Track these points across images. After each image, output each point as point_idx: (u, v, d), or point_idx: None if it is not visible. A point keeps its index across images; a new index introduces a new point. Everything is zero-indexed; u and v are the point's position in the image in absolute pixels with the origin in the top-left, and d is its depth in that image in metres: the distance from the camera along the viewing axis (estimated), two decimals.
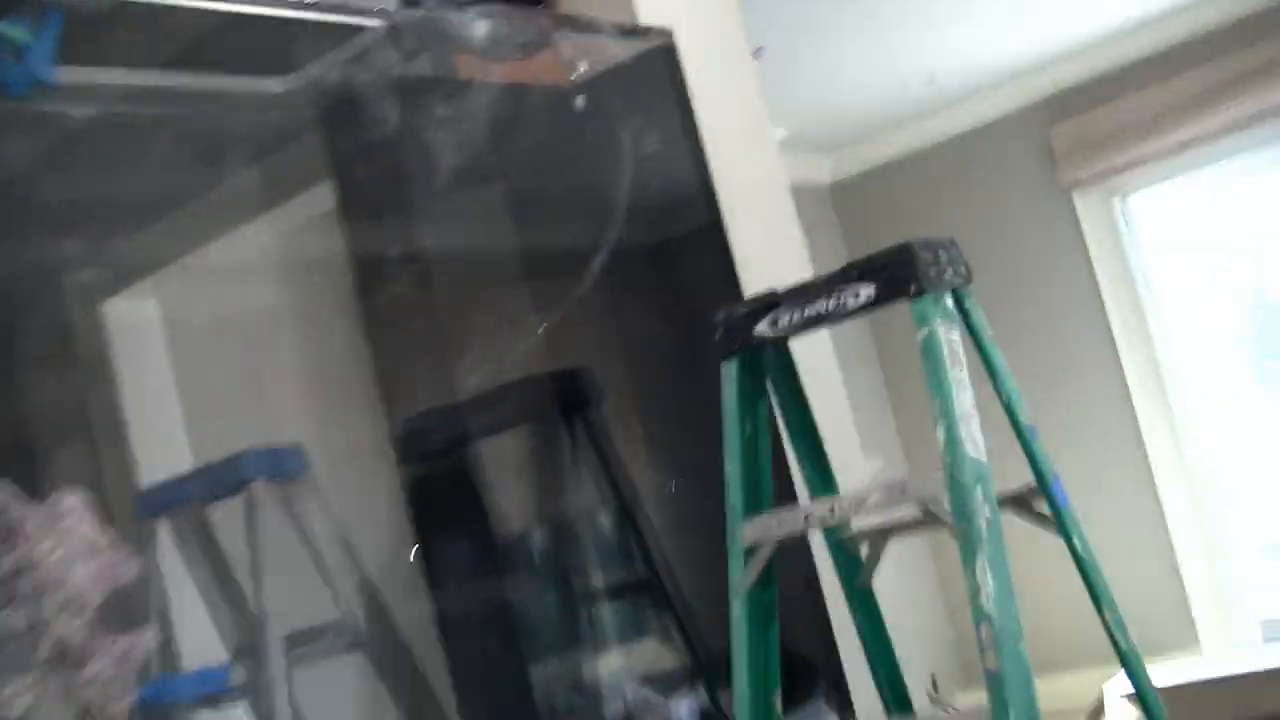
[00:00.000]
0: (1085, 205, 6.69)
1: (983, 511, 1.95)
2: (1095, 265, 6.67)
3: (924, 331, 2.06)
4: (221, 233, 2.94)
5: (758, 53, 5.53)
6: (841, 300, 2.15)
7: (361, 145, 2.59)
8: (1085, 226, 6.70)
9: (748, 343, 2.26)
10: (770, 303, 2.23)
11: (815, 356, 2.82)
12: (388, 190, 2.66)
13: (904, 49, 5.86)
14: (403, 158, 2.63)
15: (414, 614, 2.69)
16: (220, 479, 2.74)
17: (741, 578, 2.20)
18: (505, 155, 2.75)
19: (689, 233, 2.88)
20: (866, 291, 2.12)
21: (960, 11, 5.54)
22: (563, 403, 2.75)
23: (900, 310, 2.10)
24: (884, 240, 2.13)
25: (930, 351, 2.04)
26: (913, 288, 2.07)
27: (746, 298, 2.31)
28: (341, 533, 2.75)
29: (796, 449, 2.38)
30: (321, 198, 2.77)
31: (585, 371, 2.79)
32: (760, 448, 2.28)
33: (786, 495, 2.58)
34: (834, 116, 6.63)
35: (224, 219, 2.92)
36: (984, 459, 1.99)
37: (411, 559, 2.64)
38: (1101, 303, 6.63)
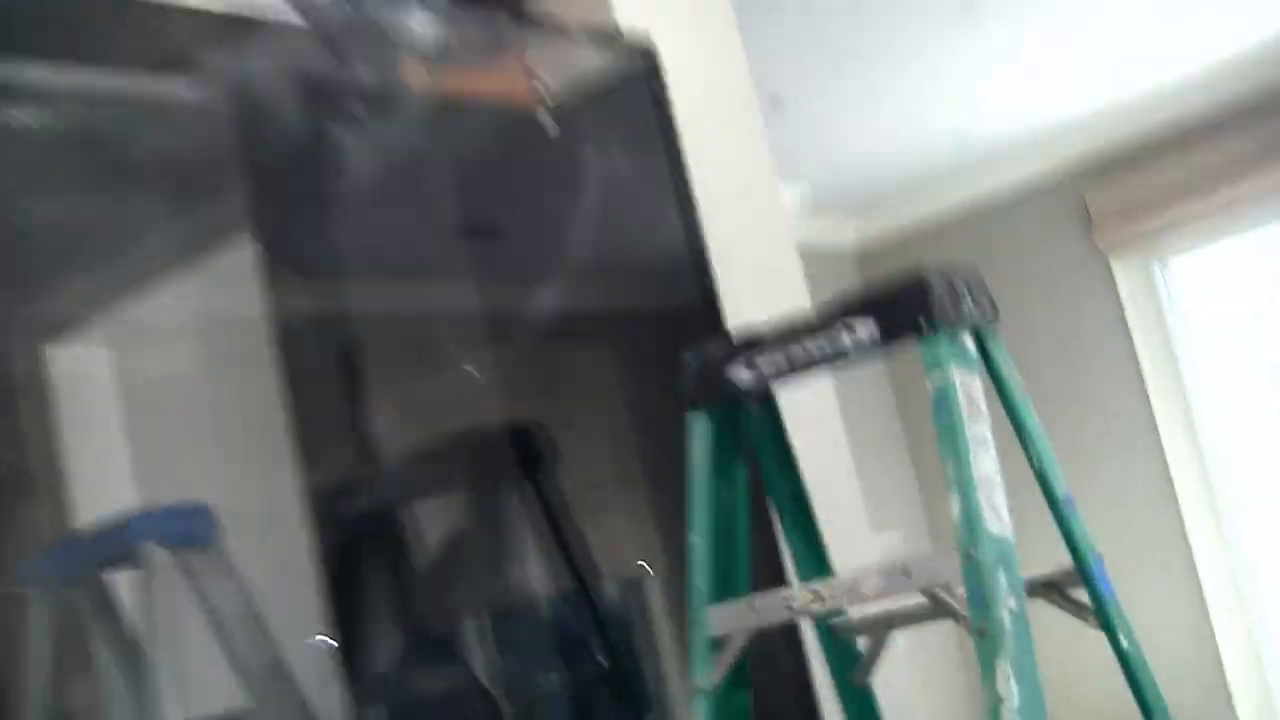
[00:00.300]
0: (1123, 270, 6.35)
1: (1006, 601, 1.54)
2: (1133, 332, 6.33)
3: (937, 378, 1.66)
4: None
5: (774, 103, 5.21)
6: (836, 341, 1.75)
7: (280, 165, 2.21)
8: (1123, 292, 6.36)
9: (722, 391, 1.86)
10: (750, 343, 1.83)
11: (812, 406, 2.41)
12: (311, 220, 2.27)
13: (933, 105, 5.54)
14: (332, 185, 2.24)
15: (332, 706, 2.28)
16: (109, 544, 2.34)
17: (705, 675, 1.78)
18: (454, 186, 2.36)
19: (669, 278, 2.48)
20: (867, 329, 1.72)
21: (993, 69, 5.22)
22: (509, 464, 2.34)
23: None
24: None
25: (944, 403, 1.64)
26: (924, 324, 1.67)
27: (723, 338, 1.90)
28: (254, 610, 2.35)
29: (784, 522, 1.97)
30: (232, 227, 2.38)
31: (536, 428, 2.38)
32: (737, 520, 1.88)
33: (775, 579, 2.17)
34: (858, 176, 6.30)
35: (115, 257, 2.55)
36: (1009, 536, 1.59)
37: (322, 650, 2.23)
38: (1139, 371, 6.28)
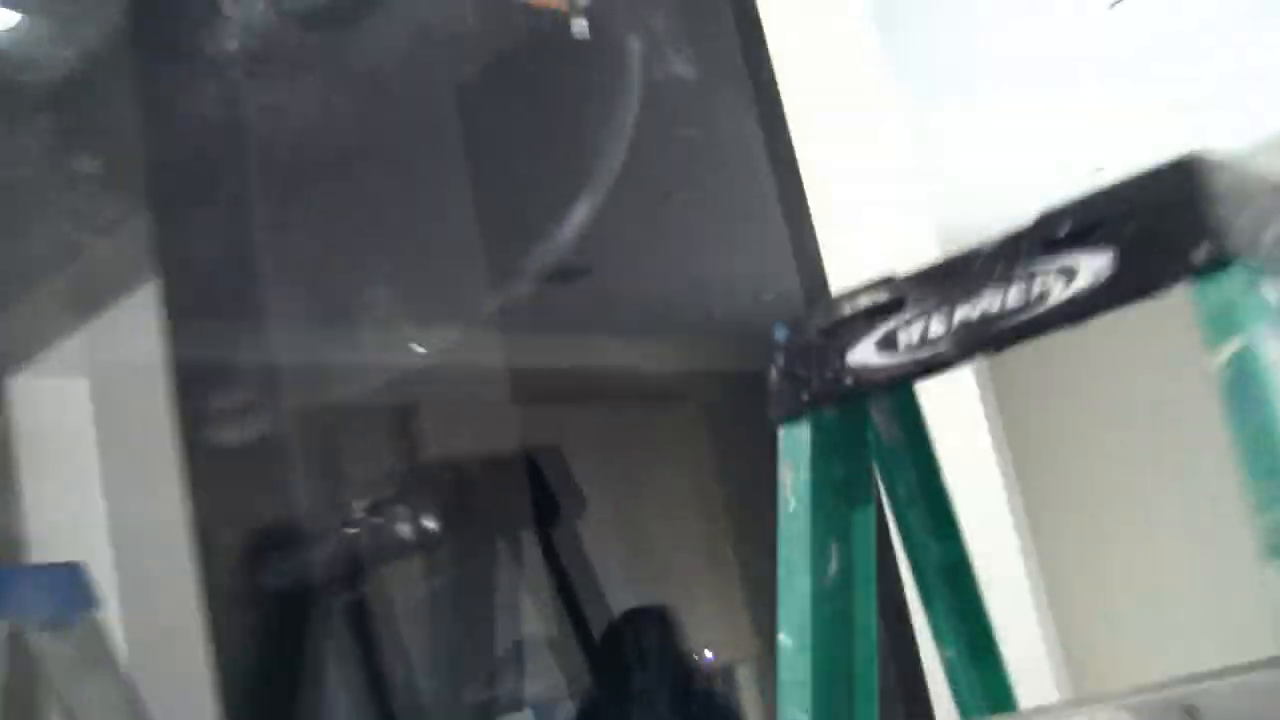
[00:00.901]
0: None
1: None
2: None
3: (1231, 346, 0.90)
4: None
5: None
6: (1036, 287, 0.99)
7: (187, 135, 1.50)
8: None
9: (833, 386, 1.10)
10: (881, 306, 1.08)
11: (949, 407, 1.60)
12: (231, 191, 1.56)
13: (1069, 132, 4.83)
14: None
15: None
16: None
17: None
18: (444, 113, 1.63)
19: (744, 228, 1.72)
20: (1094, 266, 0.97)
21: (1135, 95, 4.50)
22: (509, 509, 1.58)
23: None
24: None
25: (1248, 384, 0.88)
26: (1202, 256, 0.92)
27: (836, 295, 1.13)
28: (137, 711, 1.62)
29: (932, 610, 1.20)
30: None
31: (551, 461, 1.61)
32: (857, 603, 1.11)
33: (916, 707, 1.40)
34: (981, 205, 5.54)
35: None
36: None
37: None
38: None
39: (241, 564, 1.61)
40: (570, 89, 1.72)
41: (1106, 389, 5.48)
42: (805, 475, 1.09)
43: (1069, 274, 0.99)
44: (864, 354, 1.07)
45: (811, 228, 1.65)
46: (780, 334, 1.12)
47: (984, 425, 1.81)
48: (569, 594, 1.61)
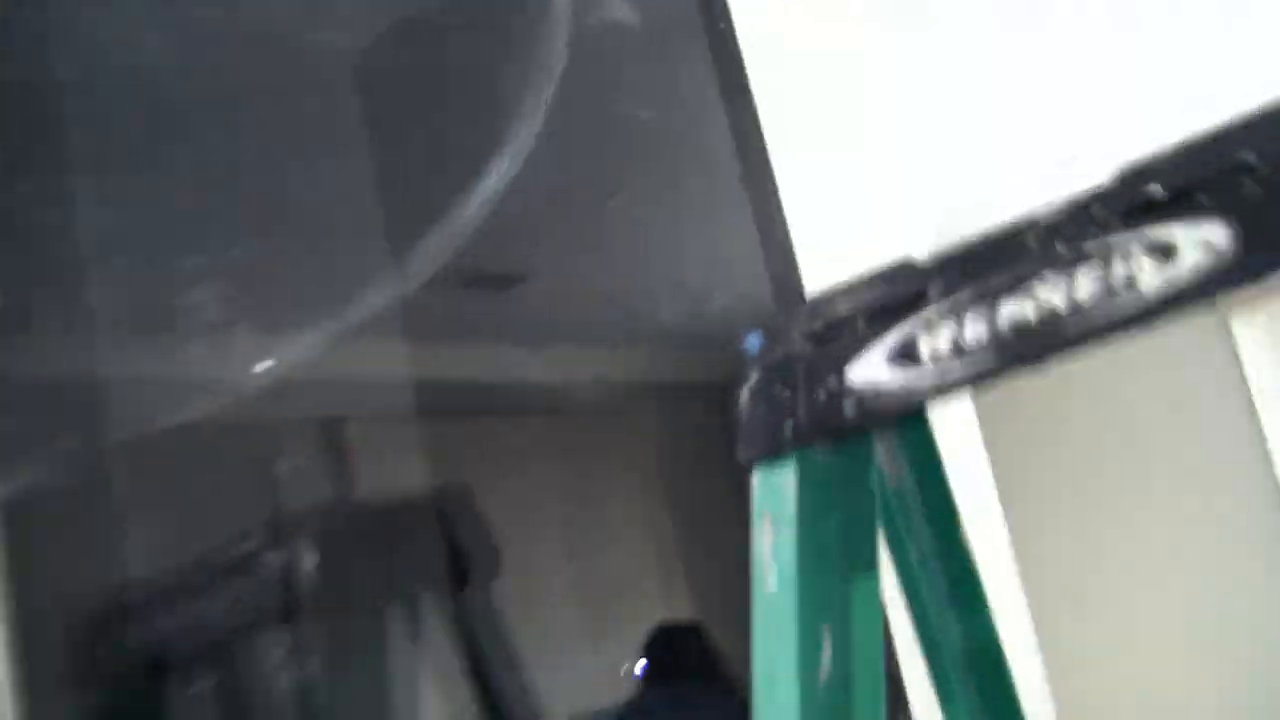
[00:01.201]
0: (1246, 332, 5.25)
1: None
2: (1259, 408, 5.22)
3: None
4: None
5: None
6: (1117, 271, 0.70)
7: None
8: (1245, 358, 5.26)
9: (829, 414, 0.80)
10: (895, 302, 0.78)
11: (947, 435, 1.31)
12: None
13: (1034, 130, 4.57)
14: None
15: None
16: None
17: None
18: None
19: (700, 216, 1.43)
20: (1201, 238, 0.67)
21: (1139, 95, 4.27)
22: (409, 567, 1.28)
23: None
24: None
25: None
26: None
27: (835, 285, 0.83)
28: None
29: (946, 700, 0.91)
30: None
31: (462, 503, 1.30)
32: (858, 713, 0.81)
33: None
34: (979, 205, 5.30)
35: None
36: None
37: None
38: (1267, 454, 5.16)
39: (70, 637, 1.29)
40: (486, 38, 1.42)
41: (1104, 420, 5.29)
42: (790, 538, 0.79)
43: (1164, 252, 0.69)
44: (871, 369, 0.77)
45: (781, 214, 1.36)
46: (753, 343, 0.82)
47: (985, 461, 1.52)
48: (480, 670, 1.30)
